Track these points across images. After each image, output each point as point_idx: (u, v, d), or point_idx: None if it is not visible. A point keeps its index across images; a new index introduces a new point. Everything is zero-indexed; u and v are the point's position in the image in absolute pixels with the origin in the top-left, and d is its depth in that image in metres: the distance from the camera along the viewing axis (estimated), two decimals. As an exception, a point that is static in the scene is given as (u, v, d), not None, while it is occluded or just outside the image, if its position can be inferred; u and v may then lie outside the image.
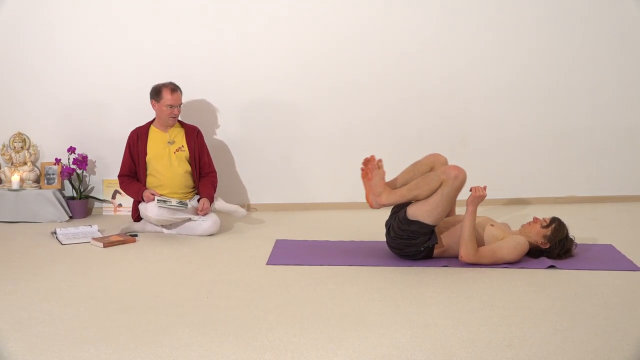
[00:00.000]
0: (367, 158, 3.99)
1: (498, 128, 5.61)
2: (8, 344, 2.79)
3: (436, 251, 3.93)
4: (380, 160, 3.98)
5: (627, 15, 5.52)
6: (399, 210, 3.94)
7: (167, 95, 4.70)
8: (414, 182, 3.86)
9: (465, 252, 3.78)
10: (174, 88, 4.74)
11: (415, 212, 3.79)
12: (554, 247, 3.92)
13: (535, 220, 4.02)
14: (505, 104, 5.60)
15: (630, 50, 5.58)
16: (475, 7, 5.45)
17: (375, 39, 5.43)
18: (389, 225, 3.97)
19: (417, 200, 3.80)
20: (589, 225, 4.89)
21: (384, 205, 3.93)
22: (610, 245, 4.32)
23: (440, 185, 3.72)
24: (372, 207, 3.97)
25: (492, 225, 3.98)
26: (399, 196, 3.85)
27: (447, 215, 3.97)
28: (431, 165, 3.99)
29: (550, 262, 3.87)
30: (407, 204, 3.88)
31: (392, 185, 4.00)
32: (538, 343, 2.79)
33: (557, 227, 3.95)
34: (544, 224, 3.97)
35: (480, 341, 2.81)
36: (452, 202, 3.78)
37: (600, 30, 5.53)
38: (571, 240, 3.99)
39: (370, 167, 3.96)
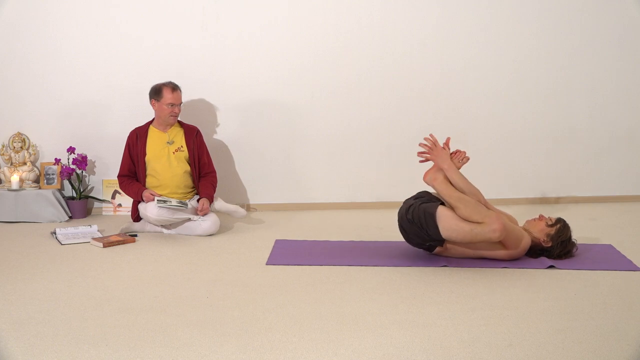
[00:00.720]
0: (458, 150, 4.08)
1: (498, 128, 5.62)
2: (8, 344, 2.79)
3: (437, 249, 3.93)
4: (464, 159, 4.06)
5: (626, 15, 5.53)
6: (427, 198, 3.96)
7: (167, 94, 4.70)
8: (469, 197, 3.86)
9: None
10: (174, 87, 4.74)
11: (441, 217, 3.79)
12: (555, 246, 3.93)
13: (541, 217, 4.03)
14: (505, 104, 5.60)
15: (630, 50, 5.58)
16: (475, 8, 5.45)
17: (374, 39, 5.43)
18: (410, 204, 3.96)
19: (454, 210, 3.81)
20: (589, 225, 4.89)
21: (432, 186, 3.97)
22: (610, 245, 4.32)
23: (478, 222, 3.73)
24: (424, 179, 4.01)
25: None
26: (446, 193, 3.87)
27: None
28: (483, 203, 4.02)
29: (550, 262, 3.87)
30: (440, 201, 3.90)
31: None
32: (538, 343, 2.79)
33: (562, 227, 3.96)
34: (550, 222, 3.98)
35: (480, 341, 2.81)
36: (472, 241, 3.78)
37: (599, 30, 5.54)
38: (573, 243, 3.99)
39: (456, 156, 4.05)
